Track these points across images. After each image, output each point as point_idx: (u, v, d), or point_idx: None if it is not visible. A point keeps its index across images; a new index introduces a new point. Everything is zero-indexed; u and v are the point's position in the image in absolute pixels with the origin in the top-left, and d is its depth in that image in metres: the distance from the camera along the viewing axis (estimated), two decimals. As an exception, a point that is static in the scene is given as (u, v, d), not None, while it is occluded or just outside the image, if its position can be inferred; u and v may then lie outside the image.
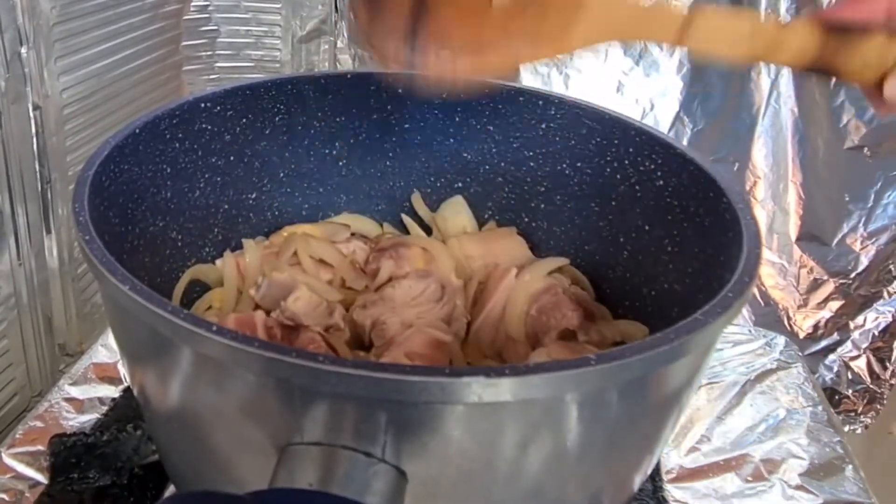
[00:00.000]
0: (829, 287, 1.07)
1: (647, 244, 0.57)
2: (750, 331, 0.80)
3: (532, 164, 0.64)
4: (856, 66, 0.43)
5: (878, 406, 1.11)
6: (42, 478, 0.57)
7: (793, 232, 1.06)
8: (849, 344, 1.09)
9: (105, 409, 0.64)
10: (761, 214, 1.06)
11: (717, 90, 1.03)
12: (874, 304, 1.06)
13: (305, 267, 0.61)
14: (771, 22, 0.44)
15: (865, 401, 1.11)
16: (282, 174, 0.65)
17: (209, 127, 0.58)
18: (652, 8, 0.44)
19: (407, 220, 0.69)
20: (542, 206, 0.65)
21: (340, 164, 0.67)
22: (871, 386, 1.10)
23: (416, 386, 0.32)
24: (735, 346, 0.77)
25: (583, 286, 0.62)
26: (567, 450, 0.37)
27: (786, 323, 1.10)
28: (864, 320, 1.08)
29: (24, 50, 0.72)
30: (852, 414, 1.11)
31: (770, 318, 1.09)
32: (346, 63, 1.10)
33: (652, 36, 0.46)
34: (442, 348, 0.53)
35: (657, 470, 0.62)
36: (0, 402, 0.76)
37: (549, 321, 0.56)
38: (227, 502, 0.30)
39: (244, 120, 0.61)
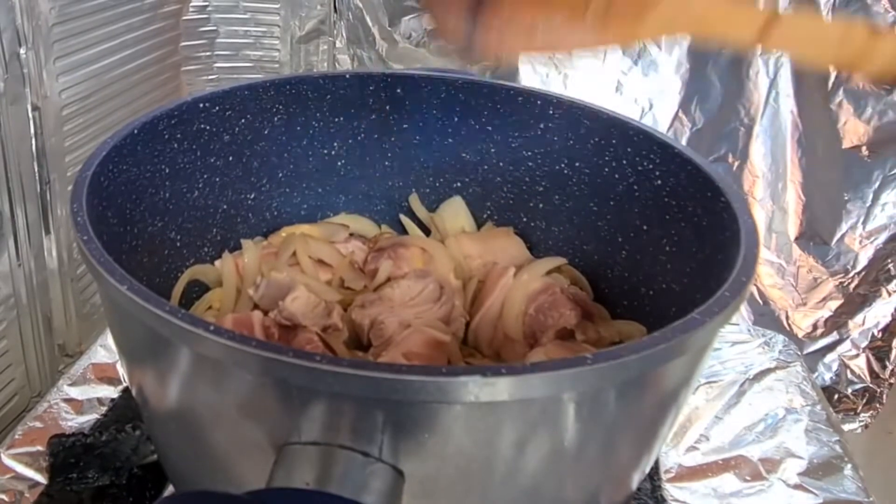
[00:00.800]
0: (828, 286, 1.07)
1: (645, 244, 0.57)
2: (749, 330, 0.80)
3: (530, 163, 0.64)
4: None
5: (878, 405, 1.10)
6: (41, 478, 0.57)
7: (792, 231, 1.06)
8: (848, 343, 1.09)
9: (104, 409, 0.64)
10: (760, 214, 1.06)
11: (715, 90, 1.02)
12: (873, 303, 1.06)
13: (304, 267, 0.61)
14: (863, 28, 0.40)
15: (865, 400, 1.10)
16: (280, 174, 0.65)
17: (208, 127, 0.58)
18: (733, 4, 0.41)
19: (405, 220, 0.69)
20: (541, 205, 0.65)
21: (339, 164, 0.67)
22: (870, 385, 1.10)
23: (414, 385, 0.32)
24: (734, 345, 0.77)
25: (581, 286, 0.62)
26: (564, 449, 0.37)
27: (784, 322, 1.09)
28: (864, 319, 1.07)
29: (22, 51, 0.72)
30: (851, 413, 1.11)
31: (769, 317, 1.09)
32: (345, 63, 1.10)
33: (729, 34, 0.42)
34: (440, 348, 0.53)
35: (656, 469, 0.62)
36: (-1, 402, 0.77)
37: (547, 320, 0.56)
38: (224, 502, 0.30)
39: (243, 120, 0.61)
